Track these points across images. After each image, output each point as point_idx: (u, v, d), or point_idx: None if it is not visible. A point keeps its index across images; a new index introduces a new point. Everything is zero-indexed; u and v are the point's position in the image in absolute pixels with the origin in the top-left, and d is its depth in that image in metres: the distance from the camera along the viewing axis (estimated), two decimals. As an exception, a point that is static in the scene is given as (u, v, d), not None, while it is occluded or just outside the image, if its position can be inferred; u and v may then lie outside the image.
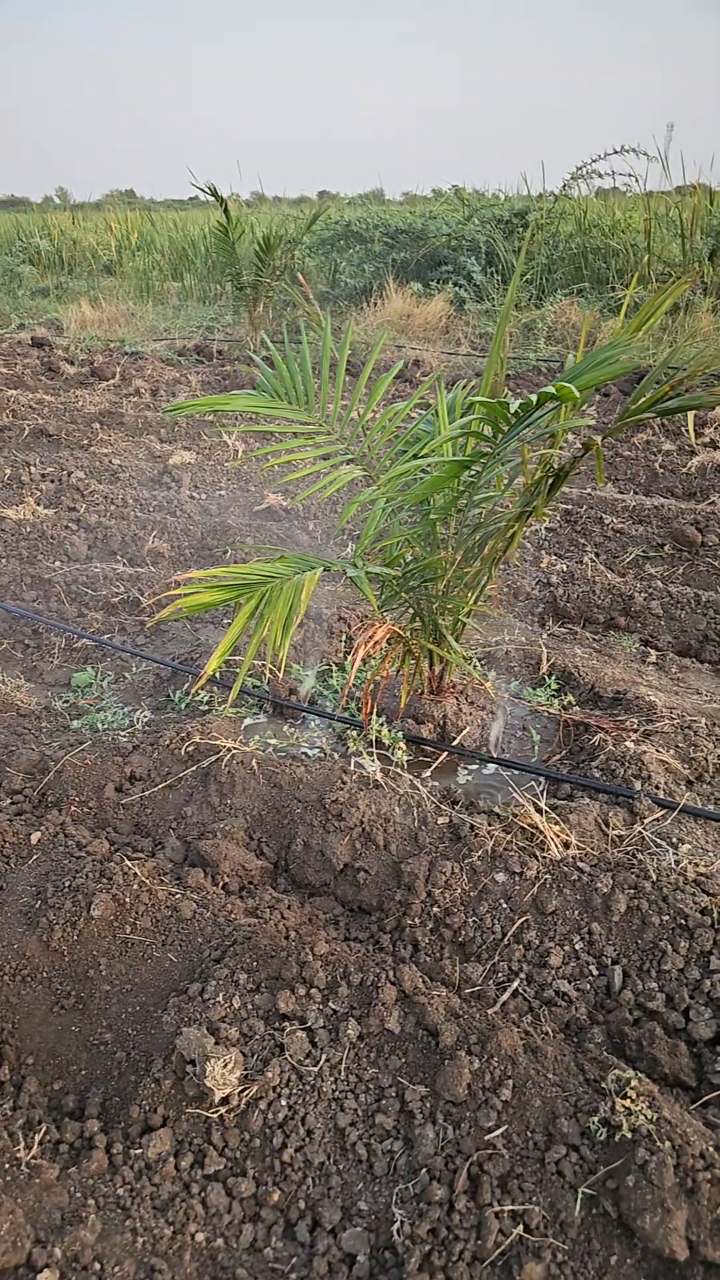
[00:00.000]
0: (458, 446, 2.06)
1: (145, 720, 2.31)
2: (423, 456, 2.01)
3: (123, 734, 2.21)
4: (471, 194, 10.43)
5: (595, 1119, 1.18)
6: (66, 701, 2.48)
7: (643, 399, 1.62)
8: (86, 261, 12.36)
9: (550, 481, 1.82)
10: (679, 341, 6.78)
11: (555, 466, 1.80)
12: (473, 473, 1.85)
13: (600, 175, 8.92)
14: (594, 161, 8.96)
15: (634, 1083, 1.21)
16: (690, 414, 1.65)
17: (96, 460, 4.66)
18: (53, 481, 4.33)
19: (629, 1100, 1.18)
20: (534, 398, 1.47)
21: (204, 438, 5.17)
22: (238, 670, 2.43)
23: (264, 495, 4.07)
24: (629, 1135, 1.14)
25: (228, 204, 7.56)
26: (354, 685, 2.43)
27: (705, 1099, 1.35)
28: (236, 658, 2.52)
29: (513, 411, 1.49)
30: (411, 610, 2.09)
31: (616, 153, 8.86)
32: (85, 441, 5.02)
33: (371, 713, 2.12)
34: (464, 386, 2.38)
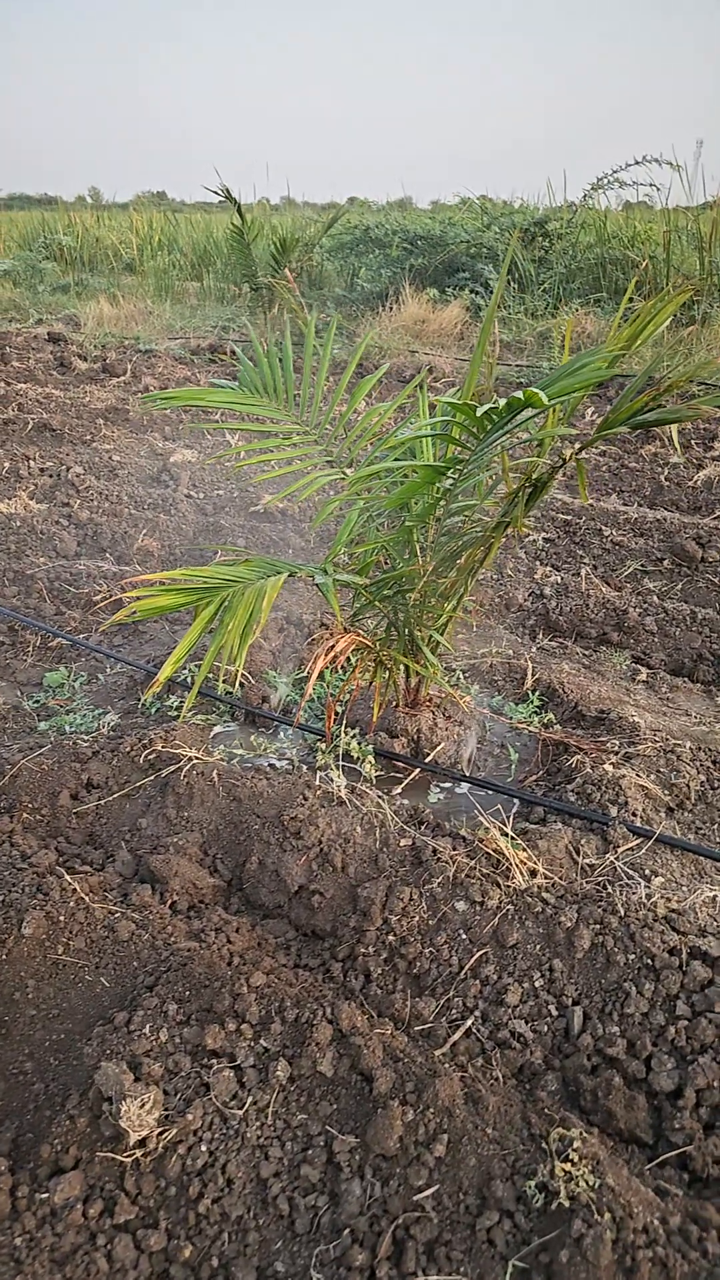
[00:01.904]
0: (435, 452, 1.98)
1: (112, 724, 2.23)
2: (392, 460, 1.93)
3: (85, 738, 2.13)
4: (500, 204, 10.37)
5: (533, 1183, 1.09)
6: (37, 702, 2.41)
7: (621, 411, 1.53)
8: (108, 259, 12.40)
9: (529, 492, 1.73)
10: (696, 355, 6.67)
11: (533, 476, 1.71)
12: (450, 479, 1.77)
13: (624, 184, 8.83)
14: (616, 171, 8.88)
15: (577, 1144, 1.12)
16: (674, 427, 1.56)
17: (97, 456, 4.62)
18: (50, 476, 4.28)
19: (570, 1164, 1.09)
20: (503, 403, 1.38)
21: (207, 436, 5.12)
22: (215, 676, 2.35)
23: (260, 496, 4.00)
24: (567, 1204, 1.05)
25: (241, 206, 7.55)
26: (315, 698, 2.35)
27: (662, 1158, 1.26)
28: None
29: (480, 415, 1.41)
30: (387, 620, 2.01)
31: (638, 163, 8.78)
32: (88, 437, 4.98)
33: (333, 727, 2.03)
34: (454, 392, 2.29)
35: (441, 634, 1.98)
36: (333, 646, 1.61)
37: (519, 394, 1.35)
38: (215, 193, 7.55)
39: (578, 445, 1.65)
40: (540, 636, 2.86)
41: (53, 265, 11.15)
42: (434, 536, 1.95)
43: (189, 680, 2.38)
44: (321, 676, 2.42)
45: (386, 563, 2.06)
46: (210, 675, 2.32)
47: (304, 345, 2.10)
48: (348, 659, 2.25)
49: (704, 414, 1.47)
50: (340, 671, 2.40)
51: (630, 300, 8.17)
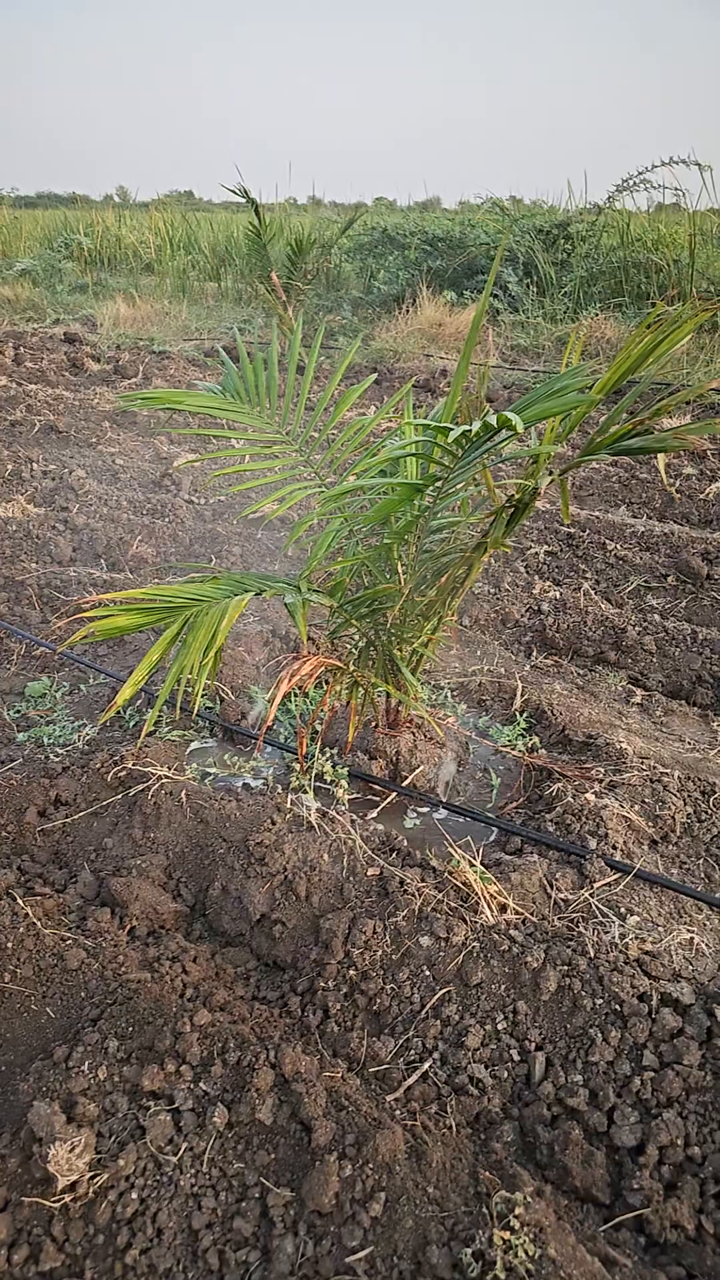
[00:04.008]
0: (417, 468, 1.92)
1: (88, 738, 2.20)
2: (373, 475, 1.88)
3: (59, 751, 2.10)
4: (531, 204, 10.28)
5: (470, 1251, 1.03)
6: (17, 712, 2.38)
7: (603, 436, 1.47)
8: (128, 259, 12.43)
9: (510, 513, 1.67)
10: (717, 362, 6.54)
11: (514, 497, 1.65)
12: (429, 497, 1.71)
13: (651, 186, 8.70)
14: (643, 172, 8.76)
15: (519, 1209, 1.06)
16: (661, 456, 1.50)
17: (101, 459, 4.61)
18: (53, 479, 4.27)
19: (509, 1231, 1.03)
20: (477, 426, 1.33)
21: (212, 441, 5.09)
22: (195, 690, 2.31)
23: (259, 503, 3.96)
24: (503, 1276, 0.99)
25: (260, 206, 7.52)
26: (298, 714, 2.30)
27: (618, 1219, 1.20)
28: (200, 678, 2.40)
29: (453, 439, 1.35)
30: (365, 639, 1.95)
31: (665, 164, 8.66)
32: (93, 440, 4.97)
33: (310, 747, 1.99)
34: (441, 408, 2.24)
35: (421, 654, 1.93)
36: (298, 669, 1.56)
37: (490, 417, 1.30)
38: (233, 191, 7.53)
39: (558, 469, 1.59)
40: (535, 654, 2.79)
41: (72, 265, 11.19)
42: (414, 554, 1.90)
43: (178, 696, 2.34)
44: (304, 694, 2.38)
45: (368, 580, 2.01)
46: (189, 689, 2.28)
47: (273, 346, 2.05)
48: (323, 678, 2.20)
49: (690, 444, 1.40)
50: (320, 688, 2.35)
51: (653, 305, 8.05)
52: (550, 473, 1.61)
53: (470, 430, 1.36)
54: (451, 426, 1.38)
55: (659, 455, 1.53)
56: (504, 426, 1.33)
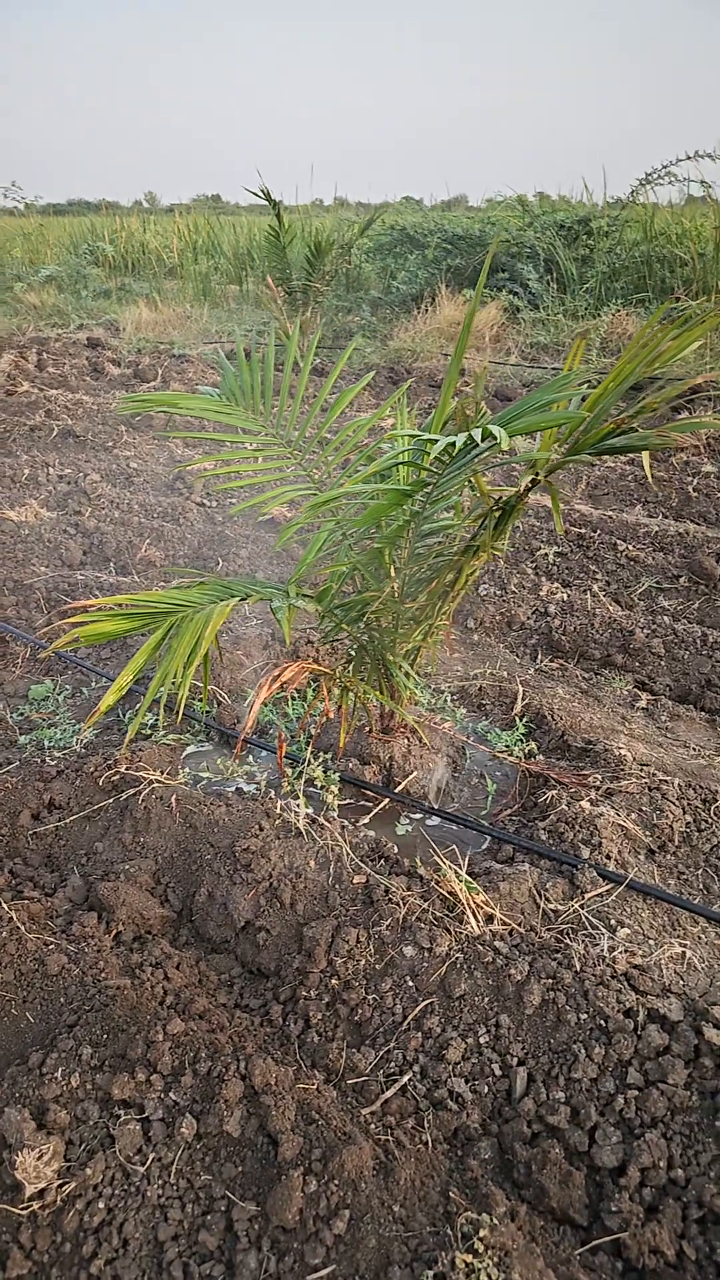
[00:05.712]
0: (409, 474, 1.90)
1: (86, 741, 2.21)
2: (363, 480, 1.87)
3: (57, 753, 2.11)
4: (555, 201, 10.19)
5: (431, 1273, 1.01)
6: (21, 714, 2.40)
7: (589, 435, 1.43)
8: (151, 264, 12.54)
9: (498, 516, 1.64)
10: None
11: (501, 500, 1.62)
12: (419, 502, 1.69)
13: (676, 180, 8.57)
14: (668, 165, 8.63)
15: (484, 1231, 1.04)
16: (646, 455, 1.46)
17: (116, 463, 4.64)
18: (68, 484, 4.31)
19: (473, 1255, 1.01)
20: (462, 438, 1.31)
21: (227, 444, 5.11)
22: (192, 695, 2.31)
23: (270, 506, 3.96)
24: (463, 1301, 0.97)
25: (281, 208, 7.53)
26: (294, 718, 2.29)
27: (594, 1243, 1.17)
28: (197, 682, 2.40)
29: (440, 451, 1.33)
30: (358, 644, 1.94)
31: (689, 158, 8.52)
32: (110, 444, 5.01)
33: (305, 752, 1.97)
34: (432, 418, 2.22)
35: (412, 660, 1.90)
36: (278, 675, 1.54)
37: (474, 431, 1.28)
38: (256, 194, 7.56)
39: (544, 470, 1.56)
40: (540, 657, 2.75)
41: (96, 270, 11.31)
42: (406, 558, 1.88)
43: (163, 699, 2.34)
44: (301, 698, 2.37)
45: (361, 584, 2.00)
46: (190, 693, 2.29)
47: (270, 348, 2.04)
48: (313, 683, 2.18)
49: (674, 441, 1.37)
50: (317, 692, 2.34)
51: (677, 300, 7.92)
52: (538, 474, 1.58)
53: (454, 441, 1.34)
54: (438, 438, 1.36)
55: (645, 456, 1.49)
56: (487, 438, 1.31)
